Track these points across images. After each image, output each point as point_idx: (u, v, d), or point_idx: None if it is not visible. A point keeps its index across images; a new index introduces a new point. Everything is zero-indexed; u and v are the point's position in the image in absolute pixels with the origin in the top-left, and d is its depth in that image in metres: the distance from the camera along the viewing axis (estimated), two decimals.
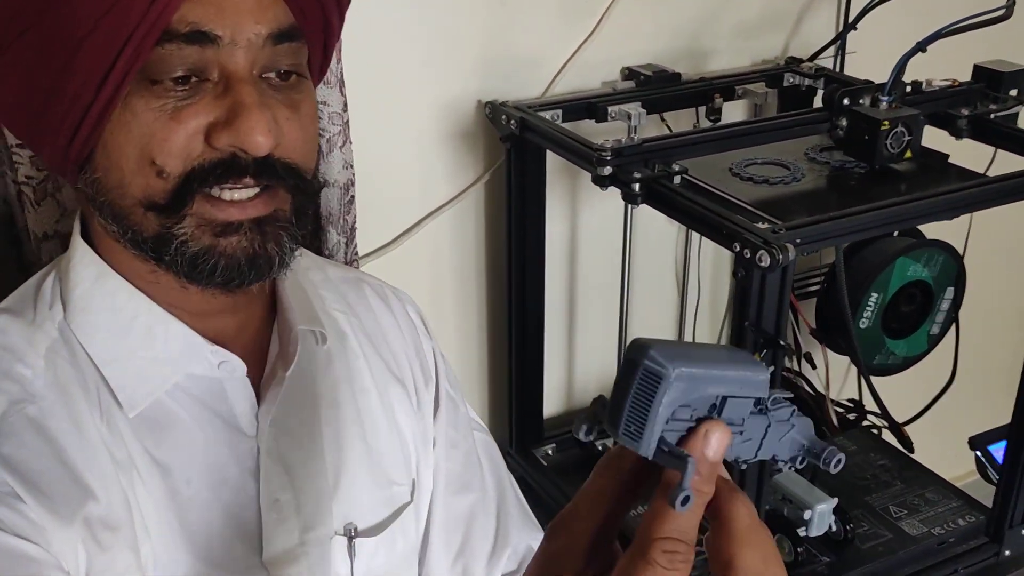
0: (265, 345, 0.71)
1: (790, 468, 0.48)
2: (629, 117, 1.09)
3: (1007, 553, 1.14)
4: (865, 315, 1.31)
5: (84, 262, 0.66)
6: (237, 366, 0.67)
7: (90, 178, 0.61)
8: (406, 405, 0.77)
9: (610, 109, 1.13)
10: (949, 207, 0.96)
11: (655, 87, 1.19)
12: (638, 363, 0.40)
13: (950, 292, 1.38)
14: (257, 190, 0.60)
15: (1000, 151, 1.14)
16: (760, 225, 0.85)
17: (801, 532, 1.08)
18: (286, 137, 0.61)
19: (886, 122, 0.99)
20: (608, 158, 0.96)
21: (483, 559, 0.81)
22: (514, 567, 0.83)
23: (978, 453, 1.21)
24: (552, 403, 1.37)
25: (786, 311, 0.88)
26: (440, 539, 0.80)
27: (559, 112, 1.13)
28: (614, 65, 1.25)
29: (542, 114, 1.11)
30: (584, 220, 1.32)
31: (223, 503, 0.67)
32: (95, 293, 0.65)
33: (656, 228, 1.35)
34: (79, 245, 0.66)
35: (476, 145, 1.21)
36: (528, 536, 0.84)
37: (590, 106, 1.15)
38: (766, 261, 0.81)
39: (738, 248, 0.84)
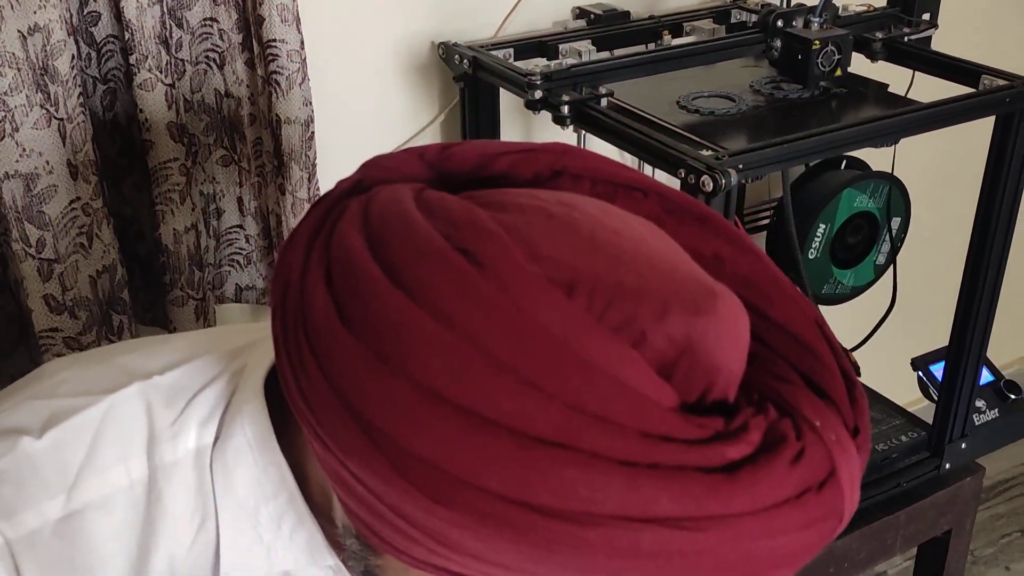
0: None
1: None
2: (579, 55, 1.12)
3: (947, 466, 1.20)
4: (813, 246, 1.36)
5: (259, 418, 0.56)
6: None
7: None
8: None
9: (561, 47, 1.15)
10: (884, 132, 1.00)
11: (605, 25, 1.22)
12: None
13: (896, 222, 1.42)
14: None
15: (918, 75, 1.18)
16: (704, 152, 0.89)
17: None
18: None
19: (817, 42, 1.03)
20: (538, 82, 1.01)
21: None
22: None
23: (920, 373, 1.26)
24: None
25: None
26: None
27: (511, 51, 1.16)
28: (565, 5, 1.27)
29: (494, 53, 1.13)
30: None
31: None
32: (253, 451, 0.57)
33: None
34: (261, 407, 0.56)
35: (432, 85, 1.23)
36: None
37: (541, 45, 1.17)
38: (709, 186, 0.85)
39: (683, 174, 0.87)
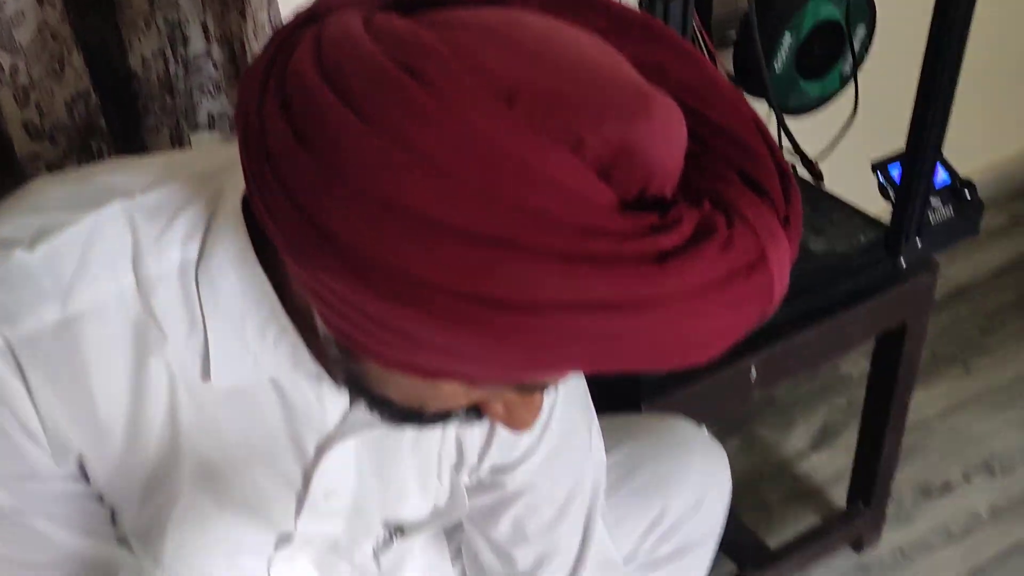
0: None
1: None
2: None
3: (903, 263, 1.26)
4: (779, 57, 1.38)
5: (238, 237, 0.60)
6: (332, 383, 0.66)
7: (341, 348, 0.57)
8: (472, 449, 0.79)
9: None
10: None
11: None
12: None
13: (861, 31, 1.44)
14: None
15: None
16: None
17: None
18: None
19: None
20: None
21: None
22: None
23: (880, 176, 1.30)
24: None
25: (688, 39, 0.93)
26: (509, 557, 0.87)
27: None
28: None
29: None
30: None
31: (272, 473, 0.69)
32: (235, 267, 0.61)
33: None
34: (240, 227, 0.60)
35: None
36: None
37: None
38: None
39: None
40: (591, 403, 0.87)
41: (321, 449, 0.70)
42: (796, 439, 1.77)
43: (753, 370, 1.19)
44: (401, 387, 0.57)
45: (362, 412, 0.68)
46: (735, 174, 0.50)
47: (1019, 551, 1.57)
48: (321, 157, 0.46)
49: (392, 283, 0.46)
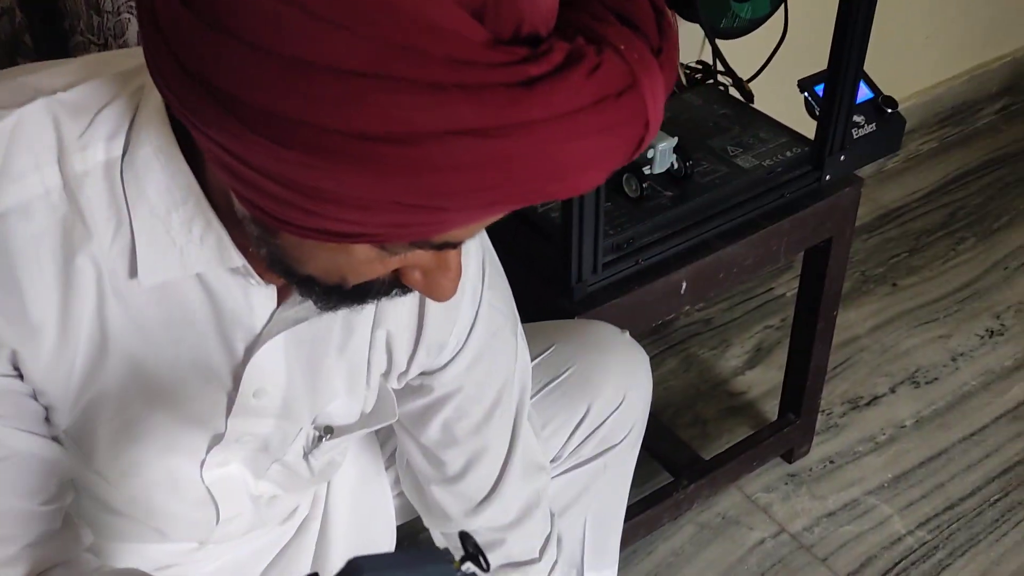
0: None
1: None
2: None
3: (827, 177, 1.30)
4: None
5: (162, 133, 0.61)
6: (259, 279, 0.68)
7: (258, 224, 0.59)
8: (399, 347, 0.81)
9: None
10: None
11: None
12: None
13: None
14: None
15: None
16: None
17: (646, 171, 1.21)
18: None
19: None
20: None
21: (472, 501, 0.92)
22: (507, 519, 0.93)
23: (806, 94, 1.33)
24: None
25: None
26: (439, 461, 0.90)
27: None
28: None
29: None
30: None
31: (202, 372, 0.71)
32: (159, 162, 0.62)
33: None
34: (164, 122, 0.61)
35: None
36: (528, 484, 0.93)
37: None
38: None
39: None
40: (515, 308, 0.90)
41: (250, 349, 0.72)
42: (732, 358, 1.83)
43: (684, 283, 1.23)
44: (319, 260, 0.59)
45: (290, 310, 0.71)
46: (612, 14, 0.51)
47: (940, 457, 1.65)
48: (201, 13, 0.48)
49: (273, 127, 0.47)
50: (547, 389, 1.01)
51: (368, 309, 0.77)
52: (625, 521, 1.19)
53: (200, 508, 0.82)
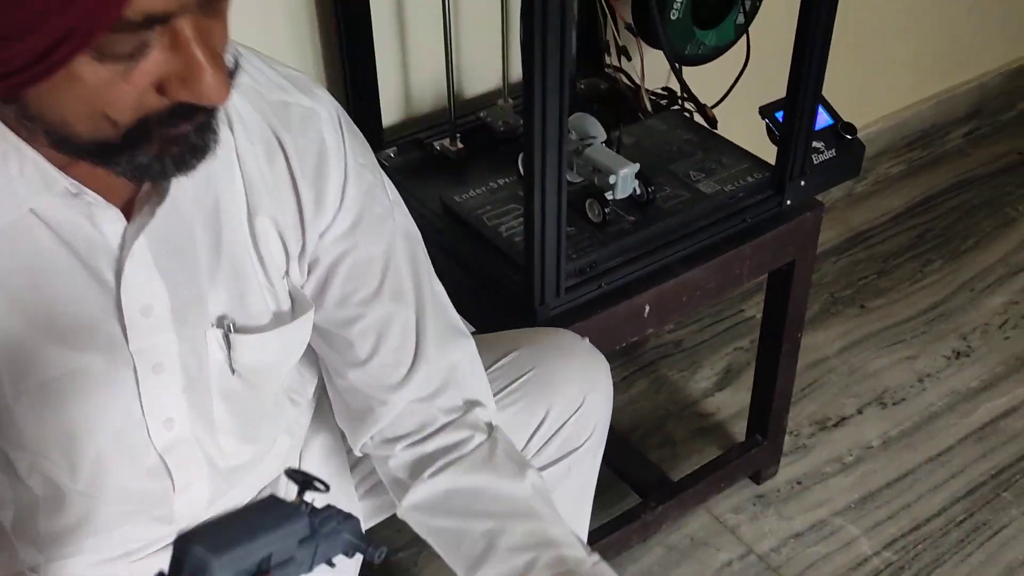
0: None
1: (348, 558, 0.58)
2: None
3: (788, 202, 1.32)
4: (675, 7, 1.42)
5: None
6: (96, 198, 0.69)
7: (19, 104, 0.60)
8: (283, 224, 0.81)
9: None
10: None
11: None
12: (183, 560, 0.48)
13: None
14: None
15: None
16: None
17: (609, 196, 1.23)
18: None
19: None
20: None
21: (394, 377, 0.89)
22: (432, 388, 0.91)
23: (767, 120, 1.36)
24: (390, 113, 1.47)
25: (569, 3, 0.96)
26: (347, 342, 0.89)
27: None
28: None
29: None
30: None
31: (86, 311, 0.73)
32: None
33: None
34: None
35: None
36: (449, 350, 0.92)
37: None
38: None
39: None
40: (380, 167, 0.90)
41: (119, 273, 0.73)
42: (701, 379, 1.85)
43: (647, 307, 1.25)
44: (66, 105, 0.59)
45: (139, 221, 0.72)
46: None
47: (906, 478, 1.67)
48: None
49: None
50: (506, 391, 1.02)
51: (232, 202, 0.77)
52: (594, 542, 1.20)
53: (155, 479, 0.83)
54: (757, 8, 1.52)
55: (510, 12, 1.44)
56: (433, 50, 1.43)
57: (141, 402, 0.79)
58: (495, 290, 1.20)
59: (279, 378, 0.92)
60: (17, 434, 0.75)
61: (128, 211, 0.73)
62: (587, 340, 1.10)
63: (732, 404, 1.79)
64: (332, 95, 0.87)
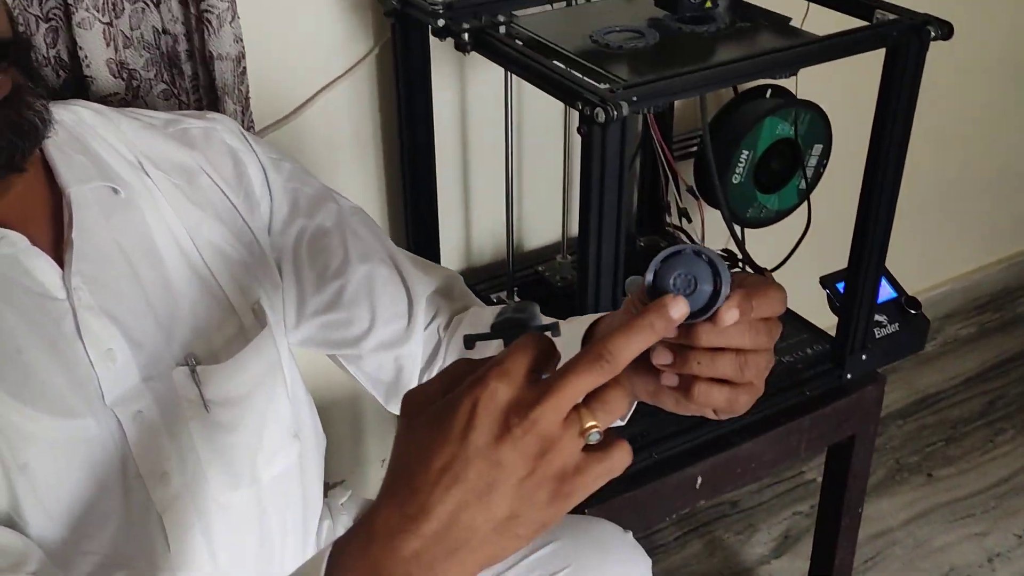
0: (59, 214, 0.76)
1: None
2: None
3: (848, 376, 1.30)
4: (737, 171, 1.43)
5: None
6: (16, 240, 0.71)
7: None
8: (228, 237, 0.84)
9: None
10: (778, 64, 1.06)
11: None
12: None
13: (818, 149, 1.50)
14: None
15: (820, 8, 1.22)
16: (599, 84, 0.95)
17: None
18: None
19: None
20: (440, 11, 1.10)
21: (400, 327, 0.91)
22: (429, 318, 0.93)
23: (828, 291, 1.34)
24: (449, 264, 1.49)
25: (627, 166, 0.98)
26: (345, 319, 0.90)
27: None
28: None
29: None
30: (473, 90, 1.41)
31: (56, 366, 0.73)
32: None
33: (539, 94, 1.44)
34: None
35: (365, 21, 1.29)
36: (429, 282, 0.94)
37: None
38: (602, 117, 0.92)
39: (580, 106, 0.94)
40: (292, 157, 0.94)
41: (74, 316, 0.73)
42: (758, 544, 1.78)
43: (699, 478, 1.22)
44: None
45: (69, 259, 0.73)
46: None
47: None
48: None
49: None
50: None
51: (168, 237, 0.80)
52: None
53: (151, 540, 0.80)
54: (821, 174, 1.53)
55: (571, 168, 1.47)
56: (494, 203, 1.46)
57: (126, 434, 0.77)
58: None
59: (259, 414, 0.88)
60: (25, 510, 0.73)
61: (61, 262, 0.74)
62: (630, 535, 1.06)
63: (789, 572, 1.72)
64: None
